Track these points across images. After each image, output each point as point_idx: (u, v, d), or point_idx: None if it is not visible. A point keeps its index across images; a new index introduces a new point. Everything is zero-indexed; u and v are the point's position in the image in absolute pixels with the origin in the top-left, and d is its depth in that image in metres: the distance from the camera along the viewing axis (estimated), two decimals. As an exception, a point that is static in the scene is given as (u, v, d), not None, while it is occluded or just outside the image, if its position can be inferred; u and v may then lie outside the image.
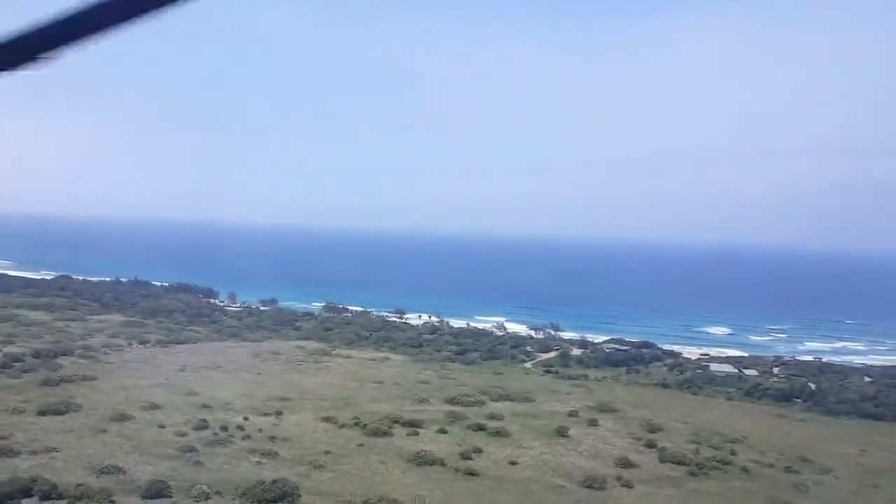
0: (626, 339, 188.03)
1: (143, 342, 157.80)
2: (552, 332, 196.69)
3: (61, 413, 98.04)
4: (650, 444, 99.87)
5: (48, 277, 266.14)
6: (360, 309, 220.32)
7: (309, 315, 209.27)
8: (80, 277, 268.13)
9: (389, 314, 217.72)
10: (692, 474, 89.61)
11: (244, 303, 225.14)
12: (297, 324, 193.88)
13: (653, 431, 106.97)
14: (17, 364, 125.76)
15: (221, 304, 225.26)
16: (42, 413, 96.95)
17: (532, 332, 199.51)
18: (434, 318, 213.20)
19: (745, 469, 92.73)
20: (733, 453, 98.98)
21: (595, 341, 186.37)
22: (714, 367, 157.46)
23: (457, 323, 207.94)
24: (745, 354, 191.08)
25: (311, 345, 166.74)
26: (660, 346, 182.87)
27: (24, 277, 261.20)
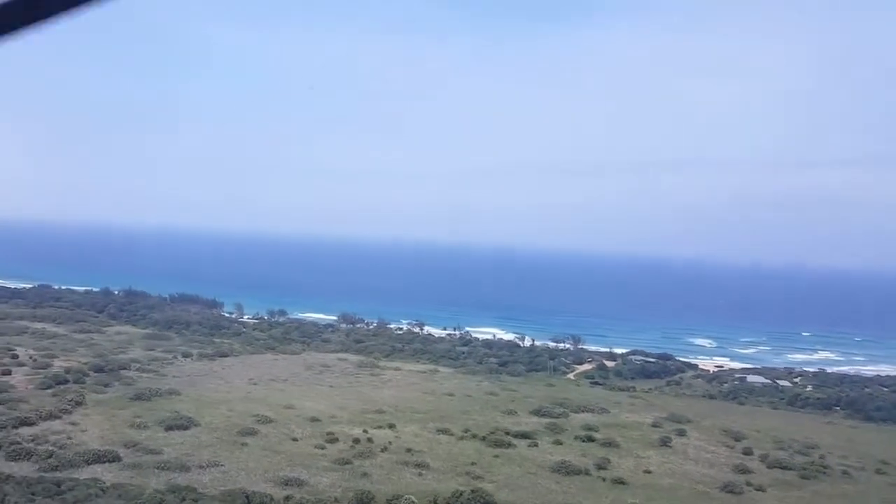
0: (647, 352, 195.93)
1: (186, 355, 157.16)
2: (574, 345, 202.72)
3: (185, 428, 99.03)
4: (746, 452, 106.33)
5: (27, 287, 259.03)
6: (377, 321, 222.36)
7: (330, 326, 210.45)
8: (62, 287, 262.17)
9: (409, 325, 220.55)
10: (804, 478, 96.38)
11: (257, 314, 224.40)
12: (324, 336, 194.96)
13: (737, 440, 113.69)
14: (87, 379, 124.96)
15: (230, 314, 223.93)
16: (169, 428, 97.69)
17: (552, 343, 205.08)
18: (457, 331, 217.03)
19: (845, 472, 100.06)
20: (822, 458, 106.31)
21: (620, 353, 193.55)
22: (750, 378, 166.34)
23: (482, 335, 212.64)
24: (757, 366, 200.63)
25: (353, 357, 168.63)
26: (678, 358, 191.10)
27: (6, 287, 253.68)
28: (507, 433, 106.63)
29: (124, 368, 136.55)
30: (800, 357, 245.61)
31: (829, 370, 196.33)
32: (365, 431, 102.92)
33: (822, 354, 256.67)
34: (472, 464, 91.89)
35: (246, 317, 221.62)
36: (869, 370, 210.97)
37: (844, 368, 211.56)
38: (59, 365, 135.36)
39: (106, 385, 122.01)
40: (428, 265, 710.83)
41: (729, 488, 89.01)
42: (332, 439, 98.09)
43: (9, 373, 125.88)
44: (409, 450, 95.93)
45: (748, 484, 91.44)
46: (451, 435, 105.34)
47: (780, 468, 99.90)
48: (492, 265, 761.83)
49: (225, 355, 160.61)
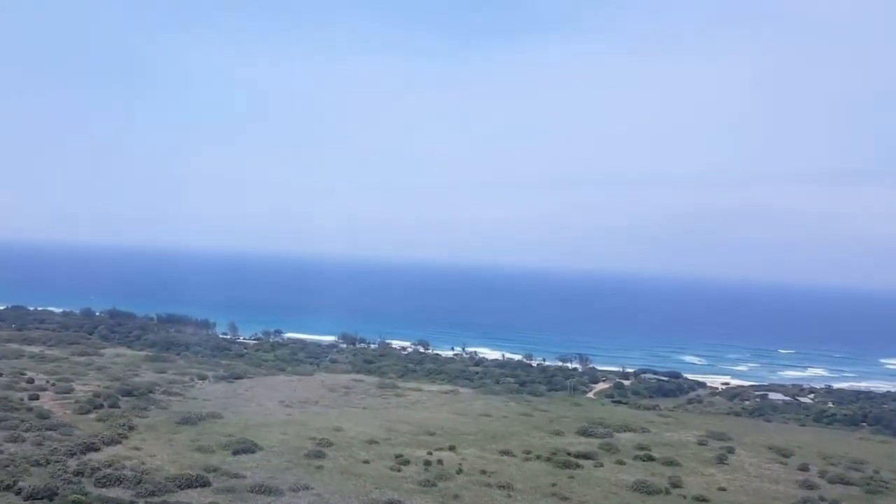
0: (655, 370, 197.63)
1: (201, 378, 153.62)
2: (583, 365, 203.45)
3: (251, 451, 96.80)
4: (802, 468, 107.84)
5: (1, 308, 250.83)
6: (378, 340, 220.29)
7: (334, 347, 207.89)
8: (36, 308, 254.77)
9: (413, 345, 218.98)
10: (870, 493, 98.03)
11: (255, 335, 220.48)
12: (331, 356, 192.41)
13: (786, 456, 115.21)
14: (120, 403, 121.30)
15: (225, 335, 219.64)
16: (236, 452, 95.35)
17: (559, 363, 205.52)
18: (464, 351, 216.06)
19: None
20: (877, 472, 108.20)
21: (632, 372, 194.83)
22: (771, 395, 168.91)
23: (489, 354, 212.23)
24: (763, 383, 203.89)
25: (368, 378, 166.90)
26: (686, 375, 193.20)
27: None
28: (568, 454, 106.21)
29: (150, 392, 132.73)
30: (793, 374, 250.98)
31: (835, 386, 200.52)
32: (429, 453, 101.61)
33: (813, 371, 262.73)
34: (553, 485, 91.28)
35: (243, 337, 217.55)
36: (866, 385, 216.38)
37: (845, 385, 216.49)
38: (80, 389, 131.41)
39: (143, 409, 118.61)
40: (357, 279, 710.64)
41: (808, 503, 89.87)
42: (403, 461, 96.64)
43: (36, 397, 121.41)
44: (483, 471, 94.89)
45: (822, 499, 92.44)
46: (515, 456, 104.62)
47: (842, 483, 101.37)
48: (439, 281, 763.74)
49: (240, 377, 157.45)
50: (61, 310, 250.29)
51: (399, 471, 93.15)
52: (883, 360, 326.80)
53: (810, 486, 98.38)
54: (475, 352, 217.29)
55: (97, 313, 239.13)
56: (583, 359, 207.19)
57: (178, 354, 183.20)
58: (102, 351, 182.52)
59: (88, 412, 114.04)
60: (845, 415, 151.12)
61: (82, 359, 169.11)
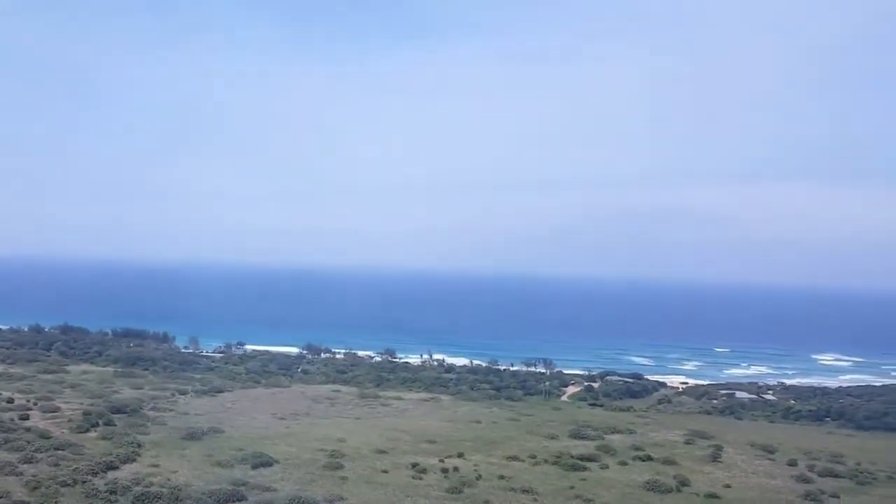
0: (619, 372, 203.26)
1: (182, 392, 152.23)
2: (548, 369, 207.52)
3: (268, 465, 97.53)
4: (791, 463, 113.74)
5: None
6: (344, 350, 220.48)
7: (302, 357, 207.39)
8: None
9: (380, 354, 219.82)
10: (860, 484, 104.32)
11: (219, 347, 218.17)
12: (302, 367, 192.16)
13: (771, 452, 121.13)
14: (116, 420, 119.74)
15: (187, 349, 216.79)
16: (255, 466, 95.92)
17: (524, 367, 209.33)
18: (431, 358, 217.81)
19: (890, 477, 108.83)
20: (858, 464, 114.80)
21: (597, 374, 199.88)
22: (738, 394, 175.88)
23: (456, 361, 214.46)
24: (721, 381, 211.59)
25: (345, 388, 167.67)
26: (647, 377, 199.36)
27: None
28: (572, 456, 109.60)
29: (139, 409, 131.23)
30: (738, 372, 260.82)
31: (787, 383, 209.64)
32: (441, 461, 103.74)
33: (756, 369, 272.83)
34: (571, 487, 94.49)
35: (206, 351, 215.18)
36: (808, 382, 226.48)
37: (794, 381, 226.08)
38: (66, 408, 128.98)
39: (141, 426, 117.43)
40: (294, 289, 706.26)
41: (811, 497, 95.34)
42: (421, 470, 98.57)
43: (27, 417, 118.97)
44: (501, 476, 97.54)
45: (821, 492, 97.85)
46: (522, 461, 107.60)
47: (832, 476, 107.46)
48: (376, 290, 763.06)
49: (221, 391, 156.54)
50: (7, 326, 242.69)
51: (420, 479, 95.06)
52: (815, 357, 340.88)
53: (805, 481, 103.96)
54: (443, 359, 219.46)
55: (46, 329, 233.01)
56: (548, 363, 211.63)
57: (145, 369, 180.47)
58: (68, 368, 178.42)
59: (87, 430, 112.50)
60: (810, 411, 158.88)
61: (50, 376, 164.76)
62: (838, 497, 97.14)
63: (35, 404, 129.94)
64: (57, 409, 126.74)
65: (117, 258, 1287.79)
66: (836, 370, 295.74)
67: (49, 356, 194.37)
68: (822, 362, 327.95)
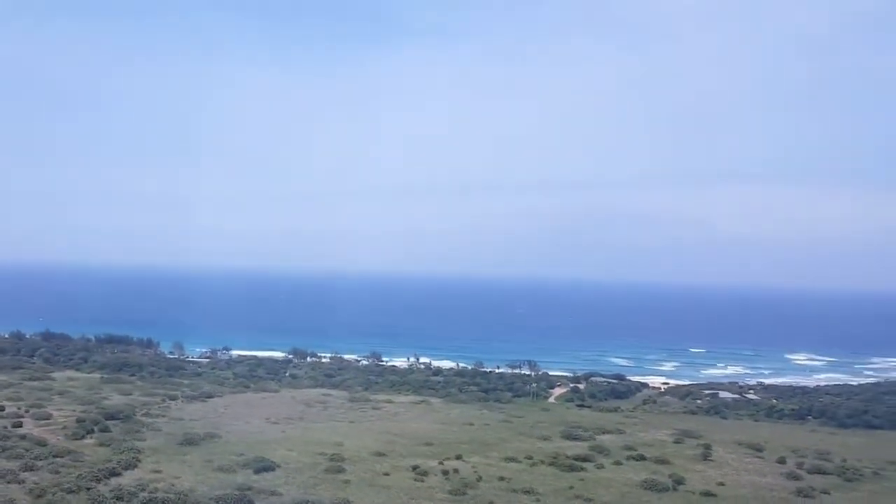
0: (602, 374, 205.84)
1: (172, 398, 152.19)
2: (533, 371, 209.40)
3: (271, 469, 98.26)
4: (780, 461, 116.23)
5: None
6: (330, 354, 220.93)
7: (289, 362, 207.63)
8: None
9: (361, 358, 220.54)
10: (847, 480, 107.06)
11: (204, 353, 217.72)
12: (289, 371, 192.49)
13: (758, 450, 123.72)
14: (111, 427, 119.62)
15: (172, 354, 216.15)
16: (257, 471, 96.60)
17: (510, 369, 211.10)
18: (418, 361, 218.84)
19: (876, 473, 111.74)
20: (844, 461, 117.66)
21: (581, 376, 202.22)
22: (722, 394, 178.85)
23: (442, 364, 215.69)
24: (701, 381, 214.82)
25: (335, 392, 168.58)
26: (629, 378, 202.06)
27: None
28: (568, 457, 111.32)
29: (132, 415, 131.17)
30: (715, 372, 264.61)
31: (766, 382, 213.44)
32: (441, 463, 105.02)
33: (732, 369, 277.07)
34: (570, 487, 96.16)
35: (192, 356, 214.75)
36: (785, 381, 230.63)
37: (777, 381, 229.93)
38: (59, 414, 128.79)
39: (137, 432, 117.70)
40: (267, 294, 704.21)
41: (804, 493, 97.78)
42: (422, 472, 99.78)
43: (20, 425, 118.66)
44: (501, 478, 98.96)
45: (812, 489, 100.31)
46: (520, 462, 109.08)
47: (820, 473, 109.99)
48: (342, 292, 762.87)
49: (211, 396, 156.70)
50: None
51: (422, 481, 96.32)
52: (789, 357, 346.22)
53: (795, 478, 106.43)
54: (429, 362, 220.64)
55: (27, 336, 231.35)
56: (532, 365, 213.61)
57: (132, 375, 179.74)
58: (53, 374, 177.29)
59: (83, 437, 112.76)
60: (792, 409, 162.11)
61: (36, 383, 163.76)
62: (829, 493, 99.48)
63: (26, 412, 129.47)
64: (49, 417, 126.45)
65: (88, 263, 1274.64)
66: (811, 369, 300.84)
67: (33, 363, 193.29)
68: (796, 362, 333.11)
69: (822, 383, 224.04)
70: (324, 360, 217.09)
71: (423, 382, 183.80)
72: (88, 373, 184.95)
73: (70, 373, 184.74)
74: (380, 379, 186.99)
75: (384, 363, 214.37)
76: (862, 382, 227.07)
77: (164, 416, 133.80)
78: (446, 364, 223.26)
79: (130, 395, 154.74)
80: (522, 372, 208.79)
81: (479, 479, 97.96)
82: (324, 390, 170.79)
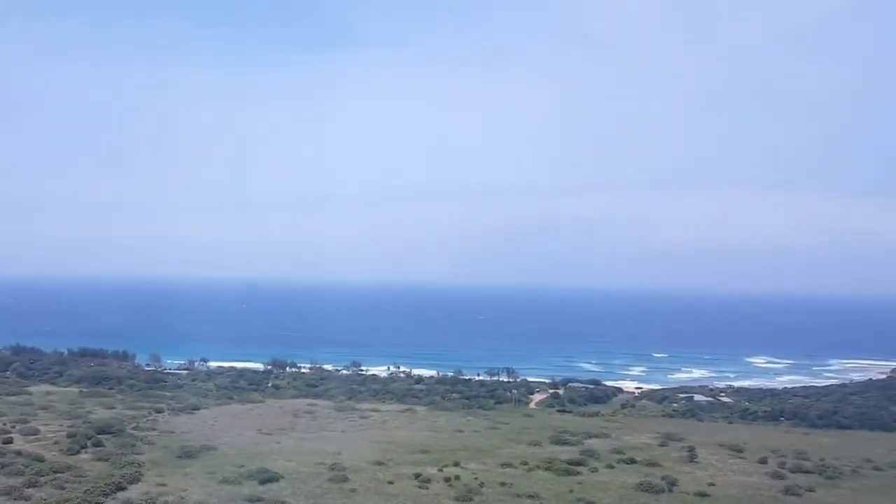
0: (579, 379, 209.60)
1: (158, 411, 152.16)
2: (511, 378, 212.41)
3: (275, 480, 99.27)
4: (762, 461, 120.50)
5: None
6: (310, 364, 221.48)
7: (270, 373, 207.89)
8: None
9: (341, 368, 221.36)
10: (829, 478, 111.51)
11: (182, 364, 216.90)
12: (271, 383, 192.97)
13: (740, 451, 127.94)
14: (104, 441, 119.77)
15: (149, 366, 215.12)
16: (262, 482, 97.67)
17: (489, 377, 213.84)
18: (399, 369, 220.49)
19: (854, 471, 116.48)
20: (822, 460, 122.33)
21: (559, 382, 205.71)
22: (697, 397, 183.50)
23: (422, 372, 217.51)
24: (672, 385, 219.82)
25: (321, 402, 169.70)
26: (604, 382, 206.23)
27: None
28: (562, 462, 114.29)
29: (124, 429, 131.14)
30: (682, 376, 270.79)
31: (735, 385, 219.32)
32: (440, 470, 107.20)
33: (699, 373, 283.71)
34: (571, 491, 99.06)
35: (169, 368, 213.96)
36: (751, 384, 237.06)
37: (743, 384, 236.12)
38: (46, 430, 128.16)
39: (132, 446, 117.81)
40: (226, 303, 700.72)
41: (791, 492, 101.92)
42: (424, 480, 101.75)
43: (10, 441, 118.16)
44: (502, 483, 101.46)
45: (797, 487, 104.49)
46: (516, 468, 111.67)
47: (802, 472, 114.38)
48: (301, 301, 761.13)
49: (197, 408, 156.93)
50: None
51: (426, 488, 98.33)
52: (749, 360, 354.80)
53: (779, 477, 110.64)
54: (409, 370, 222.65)
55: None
56: (511, 372, 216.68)
57: (111, 389, 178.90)
58: (30, 389, 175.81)
59: (78, 452, 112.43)
60: (765, 411, 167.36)
61: (14, 398, 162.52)
62: (814, 491, 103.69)
63: (13, 427, 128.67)
64: (37, 432, 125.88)
65: (36, 275, 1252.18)
66: (773, 372, 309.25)
67: (7, 377, 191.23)
68: (757, 365, 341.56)
69: (788, 385, 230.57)
70: (304, 370, 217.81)
71: (406, 391, 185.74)
72: (65, 386, 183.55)
73: (46, 387, 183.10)
74: (362, 388, 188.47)
75: (364, 372, 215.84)
76: (827, 384, 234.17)
77: (154, 429, 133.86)
78: (424, 372, 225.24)
79: (114, 408, 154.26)
80: (502, 379, 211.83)
81: (482, 484, 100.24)
82: (308, 400, 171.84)
